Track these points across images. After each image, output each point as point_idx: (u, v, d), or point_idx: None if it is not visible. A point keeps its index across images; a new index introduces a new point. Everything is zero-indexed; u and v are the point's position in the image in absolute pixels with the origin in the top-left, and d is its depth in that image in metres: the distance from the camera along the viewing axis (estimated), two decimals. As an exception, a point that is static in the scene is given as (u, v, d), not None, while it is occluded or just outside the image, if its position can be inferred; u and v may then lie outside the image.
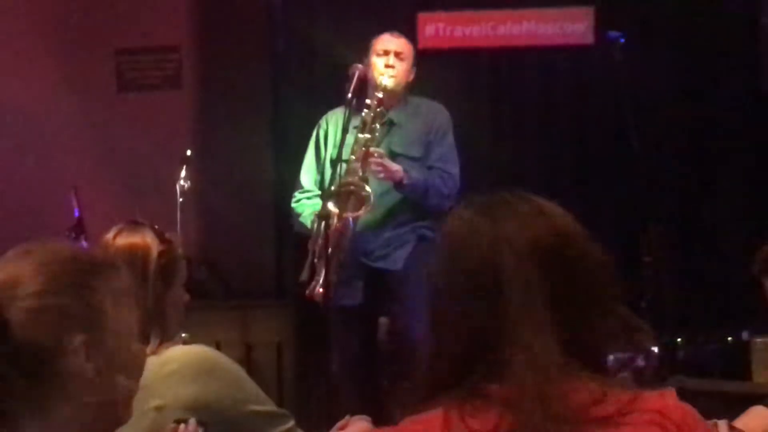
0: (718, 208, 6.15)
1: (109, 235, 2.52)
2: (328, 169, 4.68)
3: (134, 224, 2.56)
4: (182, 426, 2.31)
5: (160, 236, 2.53)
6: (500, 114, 6.36)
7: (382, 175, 4.61)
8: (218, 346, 4.70)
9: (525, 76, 6.37)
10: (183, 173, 5.11)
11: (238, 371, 2.53)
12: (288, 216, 5.03)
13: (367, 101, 4.65)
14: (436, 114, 4.88)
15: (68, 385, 1.48)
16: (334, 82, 4.93)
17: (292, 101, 6.21)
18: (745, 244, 4.69)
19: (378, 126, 4.67)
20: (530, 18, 6.25)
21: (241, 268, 6.38)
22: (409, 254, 4.72)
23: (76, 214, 5.41)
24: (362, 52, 4.81)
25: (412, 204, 4.72)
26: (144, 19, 6.59)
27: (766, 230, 4.35)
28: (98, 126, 6.52)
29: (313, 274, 4.51)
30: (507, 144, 6.32)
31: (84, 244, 5.08)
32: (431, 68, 5.33)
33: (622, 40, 4.97)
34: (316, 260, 4.49)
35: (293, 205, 4.88)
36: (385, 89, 4.67)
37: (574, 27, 6.21)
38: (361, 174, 4.59)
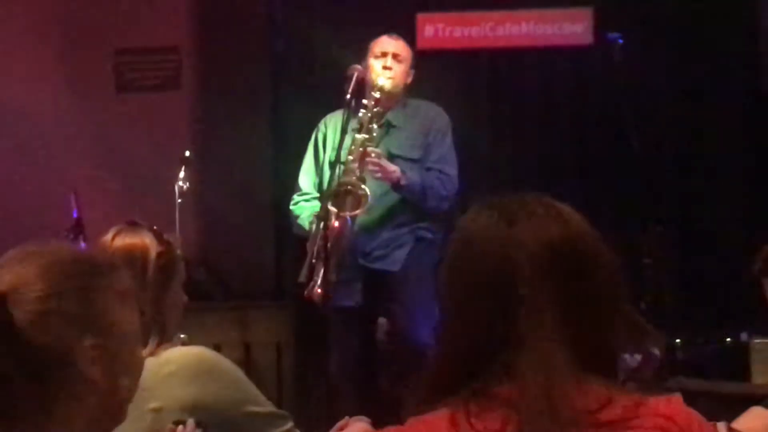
0: (717, 208, 6.15)
1: (108, 236, 2.52)
2: (327, 172, 4.68)
3: (133, 225, 2.55)
4: (180, 427, 2.31)
5: (158, 237, 2.53)
6: (499, 115, 6.36)
7: (379, 174, 4.61)
8: (217, 347, 4.69)
9: (524, 77, 6.37)
10: (182, 174, 5.11)
11: (237, 372, 2.53)
12: (287, 217, 5.04)
13: (364, 101, 4.66)
14: (435, 116, 4.88)
15: (75, 388, 1.48)
16: (333, 83, 4.92)
17: (291, 102, 6.20)
18: (744, 245, 4.69)
19: (375, 126, 4.67)
20: (529, 19, 6.25)
21: (241, 268, 6.38)
22: (407, 255, 4.72)
23: (75, 215, 5.41)
24: (362, 53, 4.81)
25: (410, 205, 4.72)
26: (143, 19, 6.58)
27: (766, 231, 4.35)
28: (97, 126, 6.51)
29: (311, 275, 4.51)
30: (506, 145, 6.32)
31: (83, 244, 5.08)
32: (430, 69, 5.33)
33: (621, 41, 4.97)
34: (314, 260, 4.49)
35: (291, 207, 4.88)
36: (382, 90, 4.67)
37: (573, 28, 6.20)
38: (358, 174, 4.59)
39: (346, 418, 2.43)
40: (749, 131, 6.23)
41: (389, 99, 4.74)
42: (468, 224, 1.58)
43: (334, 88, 4.83)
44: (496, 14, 6.28)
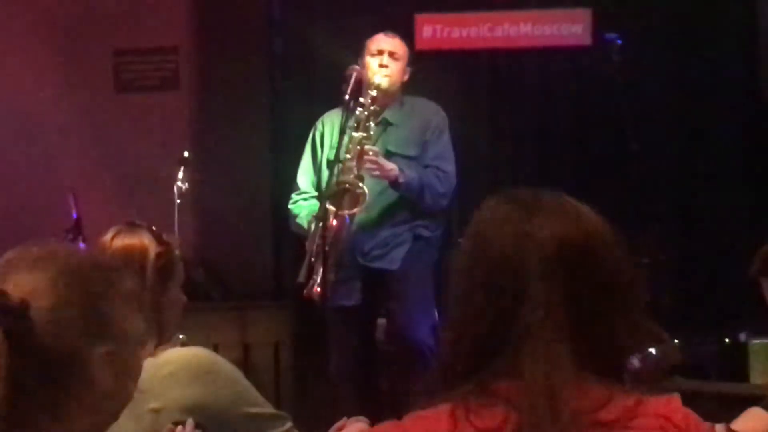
0: (716, 209, 6.15)
1: (107, 237, 2.52)
2: (325, 171, 4.68)
3: (132, 225, 2.55)
4: (180, 428, 2.31)
5: (157, 237, 2.53)
6: (498, 115, 6.37)
7: (376, 172, 4.61)
8: (216, 348, 4.70)
9: (523, 78, 6.37)
10: (181, 174, 5.11)
11: (236, 373, 2.53)
12: (286, 217, 5.04)
13: (361, 100, 4.66)
14: (432, 114, 4.88)
15: (87, 394, 1.48)
16: (332, 83, 4.92)
17: (290, 102, 6.21)
18: (743, 245, 4.69)
19: (372, 124, 4.67)
20: (528, 19, 6.25)
21: (239, 269, 6.38)
22: (406, 253, 4.72)
23: (74, 216, 5.41)
24: (360, 53, 4.81)
25: (408, 203, 4.72)
26: (142, 19, 6.59)
27: (766, 231, 4.35)
28: (96, 126, 6.52)
29: (310, 275, 4.51)
30: (505, 145, 6.33)
31: (81, 245, 5.08)
32: (429, 69, 5.33)
33: (620, 41, 4.97)
34: (313, 260, 4.49)
35: (290, 206, 4.88)
36: (378, 88, 4.67)
37: (571, 28, 6.21)
38: (356, 172, 4.60)
39: (345, 418, 2.43)
40: (748, 131, 6.23)
41: (386, 97, 4.74)
42: (483, 212, 1.57)
43: (333, 89, 4.83)
44: (495, 15, 6.29)
